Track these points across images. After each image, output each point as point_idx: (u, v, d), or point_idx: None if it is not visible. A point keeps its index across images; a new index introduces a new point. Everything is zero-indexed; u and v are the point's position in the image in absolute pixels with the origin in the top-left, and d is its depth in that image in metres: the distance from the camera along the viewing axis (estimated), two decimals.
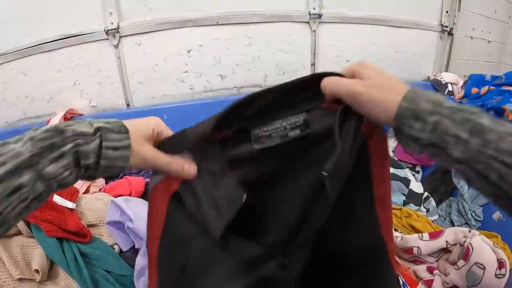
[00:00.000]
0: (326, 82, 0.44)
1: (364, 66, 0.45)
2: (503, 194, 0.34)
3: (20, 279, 0.80)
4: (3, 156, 0.33)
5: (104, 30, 1.55)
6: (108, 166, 0.40)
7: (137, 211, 0.96)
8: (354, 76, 0.44)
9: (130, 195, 1.15)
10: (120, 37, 1.59)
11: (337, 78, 0.45)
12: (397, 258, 0.93)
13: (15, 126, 1.71)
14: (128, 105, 1.72)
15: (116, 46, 1.59)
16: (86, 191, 1.43)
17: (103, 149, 0.39)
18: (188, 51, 1.70)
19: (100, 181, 1.49)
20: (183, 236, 0.49)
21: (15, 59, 1.60)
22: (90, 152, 0.39)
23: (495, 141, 0.33)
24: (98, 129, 0.40)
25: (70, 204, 0.95)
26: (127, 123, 0.43)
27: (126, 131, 0.42)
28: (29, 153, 0.34)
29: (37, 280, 0.82)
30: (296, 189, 0.49)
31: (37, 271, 0.82)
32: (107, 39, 1.58)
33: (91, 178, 0.42)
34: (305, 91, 0.47)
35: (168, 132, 0.48)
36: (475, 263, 0.82)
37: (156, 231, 0.50)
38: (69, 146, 0.37)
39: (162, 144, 0.47)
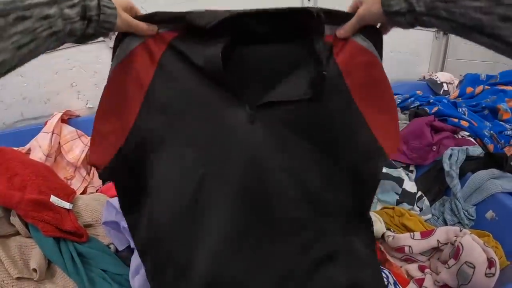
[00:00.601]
0: (343, 32, 0.60)
1: None
2: (455, 25, 0.46)
3: (18, 278, 0.81)
4: None
5: None
6: (104, 21, 0.49)
7: None
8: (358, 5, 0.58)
9: None
10: None
11: (349, 23, 0.59)
12: (388, 257, 0.94)
13: (13, 128, 1.72)
14: None
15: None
16: (83, 192, 1.44)
17: (101, 6, 0.48)
18: None
19: (97, 182, 1.50)
20: (173, 80, 0.59)
21: None
22: (93, 6, 0.47)
23: None
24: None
25: (67, 205, 0.96)
26: None
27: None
28: None
29: (35, 279, 0.83)
30: (285, 50, 0.59)
31: (35, 270, 0.83)
32: (104, 41, 1.59)
33: (88, 37, 0.50)
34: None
35: (138, 11, 0.59)
36: (465, 262, 0.83)
37: (145, 78, 0.59)
38: None
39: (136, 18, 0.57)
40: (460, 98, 1.83)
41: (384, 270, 0.85)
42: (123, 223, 0.94)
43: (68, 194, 1.01)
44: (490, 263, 0.83)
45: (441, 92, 2.03)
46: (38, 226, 0.87)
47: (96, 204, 1.05)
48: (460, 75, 2.09)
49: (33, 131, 1.49)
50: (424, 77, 2.21)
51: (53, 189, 0.96)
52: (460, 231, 0.92)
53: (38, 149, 1.41)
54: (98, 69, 1.66)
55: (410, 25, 0.53)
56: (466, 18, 0.44)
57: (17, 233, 0.91)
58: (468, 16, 0.43)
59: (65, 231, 0.91)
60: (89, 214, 1.02)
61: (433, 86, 2.08)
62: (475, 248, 0.85)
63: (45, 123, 1.49)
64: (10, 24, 0.37)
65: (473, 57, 2.43)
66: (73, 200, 1.02)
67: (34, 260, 0.84)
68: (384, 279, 0.83)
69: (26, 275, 0.82)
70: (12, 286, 0.79)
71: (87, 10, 0.46)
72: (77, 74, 1.65)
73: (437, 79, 2.09)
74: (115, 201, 1.01)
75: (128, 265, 0.91)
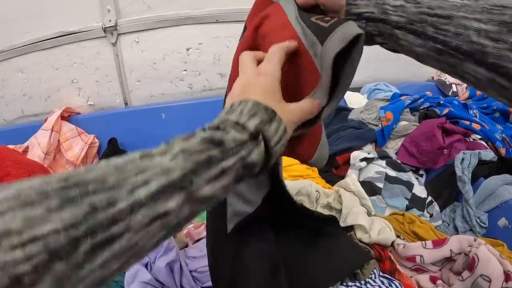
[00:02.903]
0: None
1: None
2: (442, 47, 0.37)
3: None
4: (147, 173, 0.26)
5: (102, 28, 1.53)
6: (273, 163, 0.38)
7: None
8: None
9: None
10: (118, 34, 1.56)
11: None
12: (399, 267, 0.89)
13: (13, 124, 1.70)
14: (126, 103, 1.70)
15: (114, 44, 1.57)
16: None
17: (270, 149, 0.35)
18: (187, 49, 1.67)
19: None
20: None
21: (13, 57, 1.59)
22: (257, 162, 0.34)
23: (427, 1, 0.38)
24: (257, 130, 0.34)
25: None
26: (252, 93, 0.39)
27: (272, 110, 0.37)
28: (182, 170, 0.27)
29: None
30: None
31: None
32: (105, 36, 1.55)
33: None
34: None
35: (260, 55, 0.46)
36: (481, 275, 0.79)
37: None
38: (231, 160, 0.31)
39: None
40: (470, 100, 1.78)
41: (394, 281, 0.81)
42: None
43: None
44: (507, 276, 0.78)
45: (449, 93, 1.98)
46: None
47: None
48: None
49: (34, 128, 1.47)
50: (432, 78, 2.16)
51: None
52: (475, 240, 0.87)
53: (36, 147, 1.37)
54: (99, 66, 1.62)
55: (369, 39, 0.44)
56: (462, 40, 0.35)
57: None
58: (467, 38, 0.34)
59: None
60: None
61: (441, 87, 2.03)
62: (491, 260, 0.80)
63: (45, 120, 1.46)
64: None
65: None
66: None
67: None
68: None
69: None
70: None
71: (246, 173, 0.34)
72: (78, 71, 1.62)
73: (446, 80, 2.05)
74: None
75: (124, 272, 0.87)
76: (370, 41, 0.44)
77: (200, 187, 0.28)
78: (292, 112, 0.40)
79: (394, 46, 0.43)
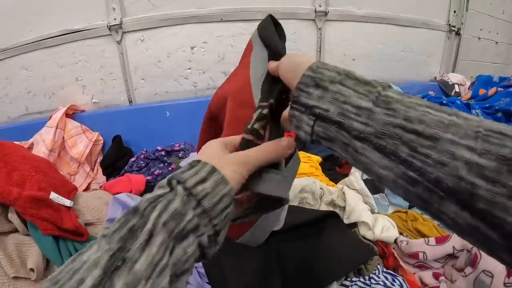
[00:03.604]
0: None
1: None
2: (417, 175, 0.28)
3: (15, 278, 0.78)
4: (79, 272, 0.24)
5: (107, 26, 1.54)
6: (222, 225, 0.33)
7: None
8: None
9: (130, 192, 1.13)
10: (123, 33, 1.57)
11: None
12: (402, 263, 0.90)
13: (18, 122, 1.71)
14: (130, 101, 1.70)
15: (119, 42, 1.58)
16: (87, 188, 1.42)
17: (190, 189, 0.31)
18: (192, 48, 1.68)
19: (101, 178, 1.48)
20: None
21: (18, 54, 1.59)
22: (180, 208, 0.30)
23: (404, 110, 0.29)
24: (169, 180, 0.32)
25: (67, 202, 0.93)
26: (201, 157, 0.35)
27: (212, 169, 0.33)
28: (108, 252, 0.25)
29: (32, 279, 0.80)
30: None
31: (32, 270, 0.80)
32: (110, 34, 1.56)
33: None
34: None
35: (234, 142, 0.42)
36: (483, 271, 0.79)
37: None
38: (153, 216, 0.28)
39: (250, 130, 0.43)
40: (472, 100, 1.78)
41: (398, 277, 0.82)
42: None
43: (69, 190, 0.98)
44: (509, 271, 0.79)
45: (452, 93, 1.99)
46: (37, 224, 0.84)
47: (98, 202, 1.02)
48: (471, 76, 2.05)
49: (38, 125, 1.47)
50: (435, 78, 2.17)
51: (53, 185, 0.93)
52: None
53: (41, 143, 1.38)
54: (104, 64, 1.63)
55: (315, 139, 0.36)
56: (446, 173, 0.26)
57: (15, 230, 0.88)
58: (454, 172, 0.26)
59: (65, 230, 0.87)
60: (91, 212, 0.98)
61: (444, 87, 2.04)
62: None
63: (50, 118, 1.47)
64: None
65: (484, 59, 2.38)
66: (74, 197, 0.99)
67: (32, 259, 0.81)
68: (398, 286, 0.79)
69: (23, 275, 0.79)
70: (8, 285, 0.76)
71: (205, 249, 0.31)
72: (83, 69, 1.63)
73: (449, 80, 2.06)
74: (121, 197, 0.98)
75: None
76: (316, 142, 0.35)
77: (136, 259, 0.25)
78: (236, 156, 0.37)
79: (347, 158, 0.33)
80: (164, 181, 0.32)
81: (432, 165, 0.27)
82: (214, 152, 0.37)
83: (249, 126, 0.42)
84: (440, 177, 0.26)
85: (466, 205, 0.25)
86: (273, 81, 0.48)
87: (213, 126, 0.59)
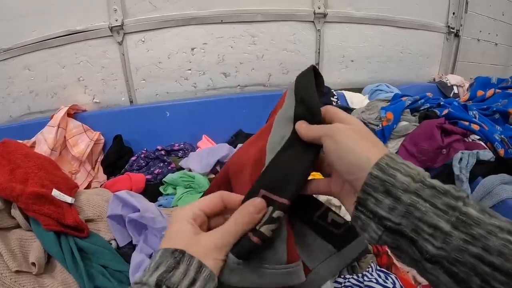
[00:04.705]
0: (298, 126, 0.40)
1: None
2: None
3: (17, 272, 0.80)
4: None
5: (109, 27, 1.56)
6: None
7: (144, 203, 0.99)
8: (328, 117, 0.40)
9: (130, 190, 1.15)
10: (124, 34, 1.59)
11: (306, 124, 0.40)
12: (395, 261, 0.91)
13: (20, 121, 1.73)
14: (131, 101, 1.73)
15: (120, 43, 1.60)
16: (88, 187, 1.44)
17: None
18: (192, 49, 1.70)
19: (102, 177, 1.50)
20: None
21: (20, 55, 1.62)
22: None
23: (484, 237, 0.26)
24: (158, 283, 0.31)
25: (68, 199, 0.95)
26: (175, 242, 0.35)
27: (199, 265, 0.33)
28: None
29: (34, 273, 0.82)
30: None
31: (33, 264, 0.82)
32: (111, 36, 1.59)
33: None
34: None
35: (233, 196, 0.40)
36: None
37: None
38: None
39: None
40: (470, 101, 1.79)
41: (391, 275, 0.83)
42: (131, 215, 0.93)
43: (70, 188, 1.00)
44: None
45: (451, 95, 2.00)
46: (39, 220, 0.86)
47: (99, 199, 1.04)
48: (470, 78, 2.07)
49: (40, 125, 1.49)
50: (434, 79, 2.18)
51: (55, 183, 0.96)
52: None
53: (43, 142, 1.40)
54: (105, 64, 1.66)
55: (377, 240, 0.32)
56: None
57: (18, 226, 0.90)
58: None
59: (66, 226, 0.90)
60: (91, 209, 1.00)
61: (443, 89, 2.05)
62: None
63: (51, 117, 1.49)
64: None
65: (483, 60, 2.40)
66: (76, 194, 1.01)
67: (34, 253, 0.83)
68: (391, 284, 0.80)
69: (25, 269, 0.81)
70: (10, 279, 0.78)
71: None
72: (84, 69, 1.65)
73: (448, 81, 2.07)
74: (122, 194, 0.99)
75: (129, 262, 0.89)
76: (379, 242, 0.32)
77: None
78: (213, 238, 0.35)
79: (415, 269, 0.31)
80: (151, 280, 0.31)
81: None
82: (187, 235, 0.35)
83: (257, 227, 0.36)
84: None
85: None
86: (299, 151, 0.40)
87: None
